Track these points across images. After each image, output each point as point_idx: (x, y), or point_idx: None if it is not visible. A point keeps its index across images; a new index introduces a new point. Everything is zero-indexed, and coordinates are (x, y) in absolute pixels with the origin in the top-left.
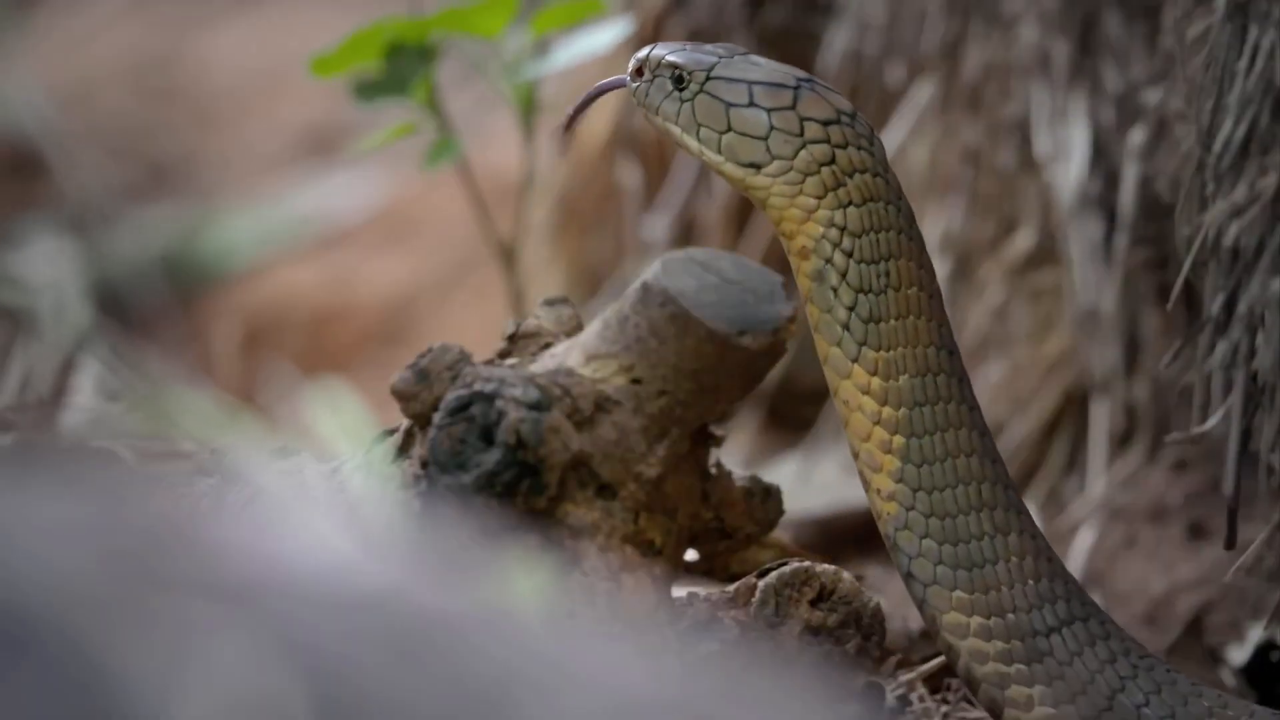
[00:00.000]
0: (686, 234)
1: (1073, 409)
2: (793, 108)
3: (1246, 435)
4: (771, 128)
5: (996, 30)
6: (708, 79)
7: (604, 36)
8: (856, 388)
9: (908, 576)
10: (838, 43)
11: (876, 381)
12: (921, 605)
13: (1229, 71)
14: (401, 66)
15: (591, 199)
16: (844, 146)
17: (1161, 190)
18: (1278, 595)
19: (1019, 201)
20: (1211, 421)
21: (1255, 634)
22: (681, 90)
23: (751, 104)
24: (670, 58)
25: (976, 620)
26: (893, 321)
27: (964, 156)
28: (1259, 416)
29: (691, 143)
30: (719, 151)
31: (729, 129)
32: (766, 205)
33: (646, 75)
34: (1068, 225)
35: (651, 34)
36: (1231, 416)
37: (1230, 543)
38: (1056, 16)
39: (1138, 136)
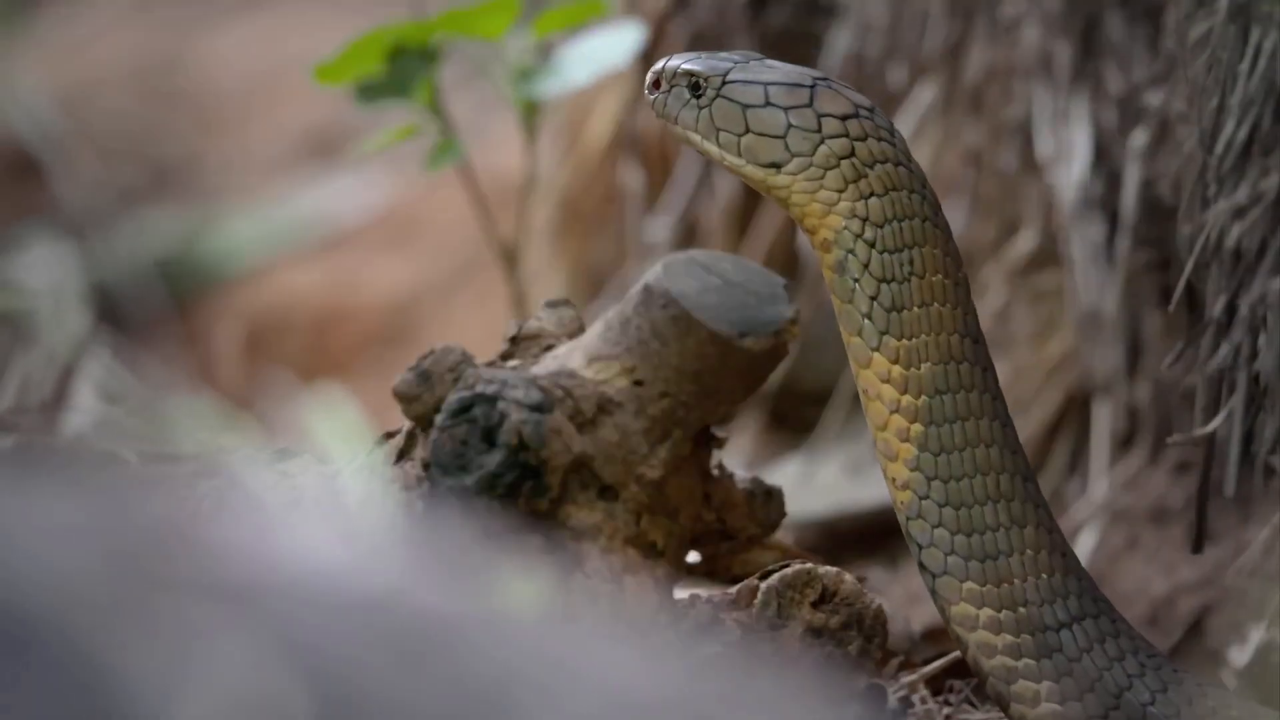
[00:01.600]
0: (688, 236)
1: (1074, 411)
2: (809, 105)
3: (1249, 437)
4: (789, 125)
5: (998, 32)
6: (724, 84)
7: (620, 50)
8: (877, 376)
9: (920, 566)
10: (840, 45)
11: (897, 370)
12: (932, 595)
13: (1231, 73)
14: (404, 68)
15: (593, 201)
16: (863, 139)
17: (1163, 192)
18: (1279, 597)
19: (1021, 203)
20: (1214, 424)
21: (1257, 636)
22: (698, 97)
23: (768, 104)
24: (686, 66)
25: (986, 613)
26: (916, 309)
27: (966, 158)
28: (1260, 418)
29: (712, 148)
30: (739, 154)
31: (747, 130)
32: (789, 204)
33: (664, 86)
34: (1069, 227)
35: (654, 37)
36: (1233, 418)
37: (1197, 546)
38: (1058, 18)
39: (1140, 138)
